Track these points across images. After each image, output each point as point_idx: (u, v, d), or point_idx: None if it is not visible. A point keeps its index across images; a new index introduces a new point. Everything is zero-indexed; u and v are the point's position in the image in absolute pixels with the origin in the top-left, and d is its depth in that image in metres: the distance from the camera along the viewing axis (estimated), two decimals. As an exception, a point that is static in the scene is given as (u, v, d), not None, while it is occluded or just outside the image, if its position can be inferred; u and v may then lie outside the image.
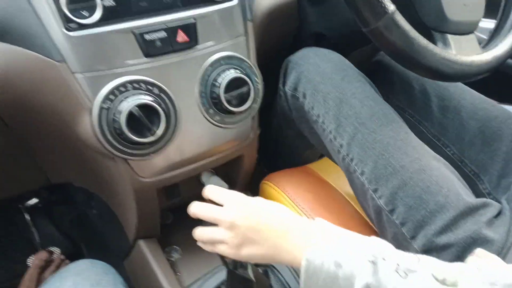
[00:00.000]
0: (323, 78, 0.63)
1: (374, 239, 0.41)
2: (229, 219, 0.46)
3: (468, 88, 0.74)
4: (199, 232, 0.50)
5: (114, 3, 0.47)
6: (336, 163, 0.65)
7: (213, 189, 0.51)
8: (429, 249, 0.52)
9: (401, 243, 0.55)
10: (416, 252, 0.53)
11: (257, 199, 0.49)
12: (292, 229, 0.44)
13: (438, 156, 0.60)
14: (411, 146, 0.57)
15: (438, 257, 0.50)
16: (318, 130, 0.64)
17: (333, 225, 0.43)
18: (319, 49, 0.67)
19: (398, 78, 0.78)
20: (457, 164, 0.67)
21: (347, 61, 0.66)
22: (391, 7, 0.49)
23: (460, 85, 0.73)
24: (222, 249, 0.47)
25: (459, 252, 0.51)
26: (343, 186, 0.70)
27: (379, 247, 0.39)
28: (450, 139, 0.70)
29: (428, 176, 0.54)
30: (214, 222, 0.48)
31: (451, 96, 0.71)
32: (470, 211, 0.53)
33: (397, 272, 0.35)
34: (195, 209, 0.50)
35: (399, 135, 0.58)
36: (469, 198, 0.54)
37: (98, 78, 0.48)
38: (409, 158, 0.56)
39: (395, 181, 0.55)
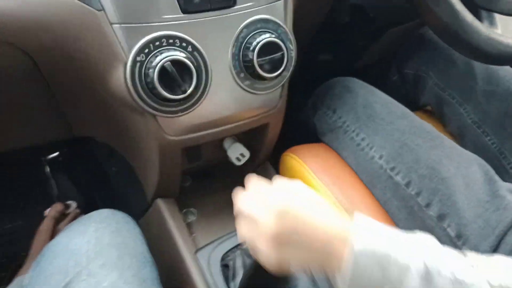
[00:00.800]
0: (351, 93, 0.72)
1: (421, 236, 0.38)
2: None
3: None
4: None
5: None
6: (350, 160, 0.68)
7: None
8: (444, 215, 0.54)
9: (416, 214, 0.57)
10: (432, 219, 0.55)
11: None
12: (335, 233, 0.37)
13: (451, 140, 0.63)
14: (425, 131, 0.63)
15: (451, 223, 0.52)
16: (340, 134, 0.70)
17: (376, 222, 0.39)
18: (346, 77, 0.77)
19: (442, 56, 0.76)
20: (496, 155, 0.66)
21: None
22: None
23: (510, 70, 0.70)
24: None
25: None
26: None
27: (429, 250, 0.36)
28: (492, 127, 0.68)
29: (440, 151, 0.59)
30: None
31: (499, 81, 0.69)
32: (483, 180, 0.55)
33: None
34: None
35: (414, 123, 0.64)
36: (484, 167, 0.57)
37: (134, 30, 0.47)
38: (423, 139, 0.61)
39: (410, 157, 0.59)
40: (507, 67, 0.71)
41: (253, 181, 0.44)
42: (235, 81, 0.56)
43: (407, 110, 0.69)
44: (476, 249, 0.51)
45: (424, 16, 0.50)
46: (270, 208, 0.39)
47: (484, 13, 0.53)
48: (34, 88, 0.57)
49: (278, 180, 0.43)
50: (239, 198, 0.43)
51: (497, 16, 0.53)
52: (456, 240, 0.53)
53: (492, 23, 0.53)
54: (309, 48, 0.85)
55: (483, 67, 0.71)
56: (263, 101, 0.61)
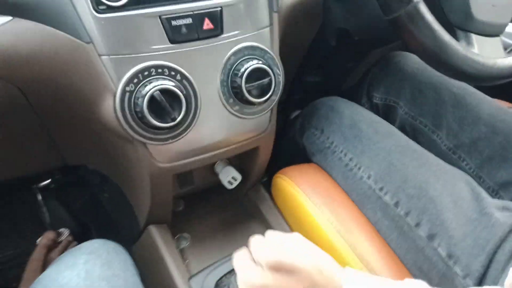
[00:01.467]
0: (337, 113, 0.73)
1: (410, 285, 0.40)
2: None
3: (485, 96, 0.73)
4: None
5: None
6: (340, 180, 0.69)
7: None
8: (433, 235, 0.54)
9: (407, 235, 0.57)
10: (422, 239, 0.55)
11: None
12: None
13: (437, 157, 0.64)
14: (411, 150, 0.64)
15: (441, 243, 0.52)
16: (328, 154, 0.71)
17: (365, 276, 0.41)
18: (331, 97, 0.79)
19: (409, 84, 0.77)
20: (474, 180, 0.66)
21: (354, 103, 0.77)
22: None
23: (477, 94, 0.72)
24: None
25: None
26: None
27: None
28: (467, 152, 0.69)
29: (427, 170, 0.60)
30: None
31: (468, 106, 0.70)
32: (470, 197, 0.55)
33: None
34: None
35: (400, 143, 0.65)
36: (471, 184, 0.58)
37: (123, 61, 0.48)
38: (409, 158, 0.62)
39: (398, 177, 0.60)
40: (473, 91, 0.72)
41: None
42: (225, 106, 0.57)
43: (393, 129, 0.70)
44: (468, 268, 0.51)
45: (403, 36, 0.52)
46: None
47: (461, 34, 0.55)
48: (24, 119, 0.58)
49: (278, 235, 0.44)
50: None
51: (474, 36, 0.54)
52: (448, 260, 0.53)
53: (469, 43, 0.54)
54: (298, 71, 0.87)
55: (451, 93, 0.72)
56: (253, 125, 0.61)
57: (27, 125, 0.60)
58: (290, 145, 0.84)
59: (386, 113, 0.81)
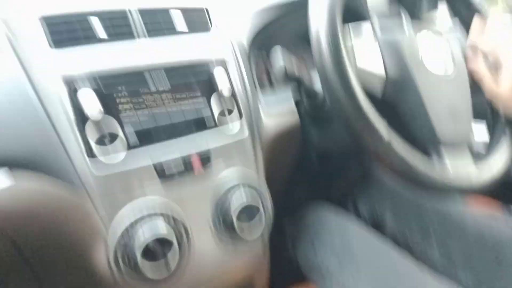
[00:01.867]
0: (324, 227, 0.73)
1: None
2: None
3: (468, 203, 0.75)
4: None
5: (138, 141, 0.50)
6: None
7: None
8: None
9: None
10: None
11: None
12: None
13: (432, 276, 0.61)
14: (405, 270, 0.63)
15: None
16: (323, 272, 0.69)
17: None
18: (319, 205, 0.79)
19: (393, 201, 0.79)
20: None
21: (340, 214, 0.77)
22: (387, 136, 0.51)
23: (460, 203, 0.74)
24: None
25: None
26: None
27: None
28: (461, 269, 0.68)
29: None
30: None
31: (452, 219, 0.71)
32: None
33: None
34: None
35: (393, 261, 0.64)
36: None
37: (117, 210, 0.50)
38: (404, 279, 0.60)
39: None
40: (455, 202, 0.74)
41: None
42: (217, 243, 0.57)
43: (385, 244, 0.69)
44: None
45: (382, 168, 0.55)
46: None
47: (432, 152, 0.57)
48: (11, 268, 0.56)
49: None
50: None
51: (444, 153, 0.57)
52: None
53: (441, 161, 0.57)
54: (287, 184, 0.89)
55: (433, 208, 0.73)
56: (247, 258, 0.62)
57: (13, 273, 0.58)
58: (286, 261, 0.82)
59: (375, 226, 0.82)
